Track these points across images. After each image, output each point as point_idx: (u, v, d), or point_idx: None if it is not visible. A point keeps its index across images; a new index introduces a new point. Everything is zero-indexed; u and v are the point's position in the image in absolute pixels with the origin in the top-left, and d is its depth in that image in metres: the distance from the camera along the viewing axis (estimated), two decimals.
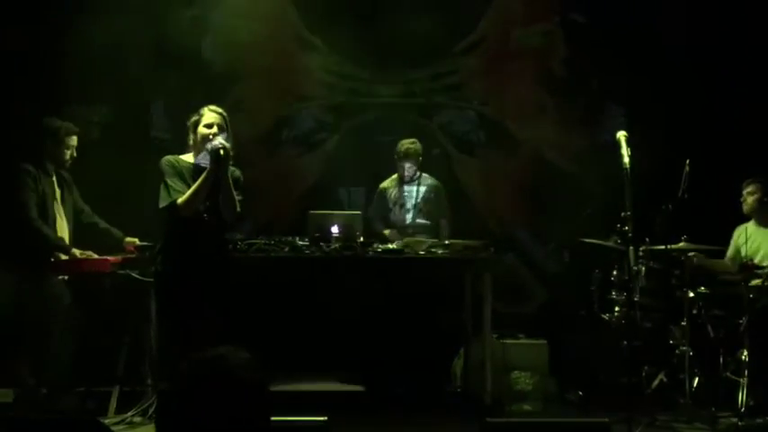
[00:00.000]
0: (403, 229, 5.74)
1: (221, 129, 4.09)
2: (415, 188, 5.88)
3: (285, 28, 6.58)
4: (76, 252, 4.70)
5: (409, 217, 5.84)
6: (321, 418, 2.63)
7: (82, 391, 4.95)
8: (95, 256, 4.76)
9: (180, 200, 3.98)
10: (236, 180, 4.14)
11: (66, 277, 4.74)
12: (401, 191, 5.89)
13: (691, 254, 5.24)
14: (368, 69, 6.48)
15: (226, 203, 4.01)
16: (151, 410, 4.67)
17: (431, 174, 5.98)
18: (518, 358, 5.28)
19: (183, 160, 4.14)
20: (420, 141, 5.87)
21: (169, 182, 4.03)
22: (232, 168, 4.16)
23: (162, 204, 4.03)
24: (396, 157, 5.82)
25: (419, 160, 5.82)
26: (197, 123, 4.12)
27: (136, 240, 4.90)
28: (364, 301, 5.57)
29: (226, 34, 6.51)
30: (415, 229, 5.75)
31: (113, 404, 4.75)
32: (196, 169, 4.07)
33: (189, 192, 3.99)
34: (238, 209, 4.07)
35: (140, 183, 5.88)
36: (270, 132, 6.70)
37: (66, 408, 4.69)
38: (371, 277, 5.28)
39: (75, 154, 4.86)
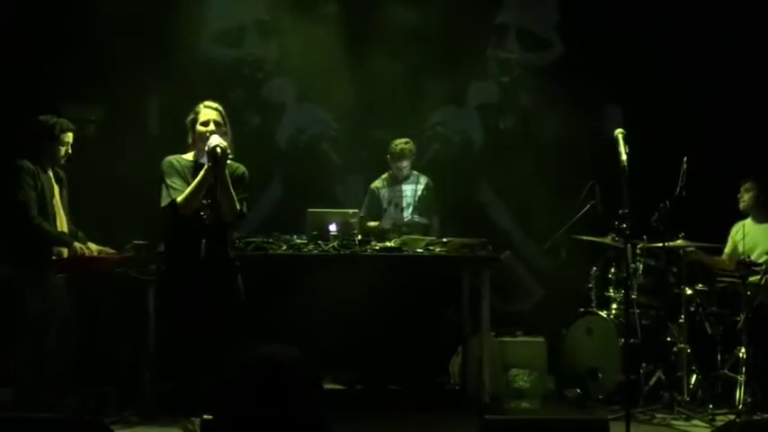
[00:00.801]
0: (398, 228, 5.74)
1: (218, 125, 4.08)
2: (409, 186, 5.89)
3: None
4: (77, 246, 4.70)
5: (405, 215, 5.84)
6: None
7: (81, 390, 4.95)
8: (93, 249, 4.76)
9: (179, 198, 3.98)
10: (240, 177, 4.13)
11: (65, 276, 4.73)
12: (395, 190, 5.89)
13: (689, 249, 5.25)
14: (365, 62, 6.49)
15: (225, 202, 3.99)
16: (149, 410, 4.67)
17: (423, 172, 5.99)
18: (516, 356, 5.29)
19: (184, 159, 4.14)
20: (413, 140, 5.87)
21: (169, 181, 4.03)
22: (236, 165, 4.15)
23: (162, 204, 4.03)
24: (389, 156, 5.82)
25: (413, 159, 5.83)
26: (194, 121, 4.11)
27: (107, 249, 4.85)
28: (362, 299, 5.56)
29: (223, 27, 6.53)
30: (410, 227, 5.75)
31: (112, 403, 4.74)
32: (196, 167, 4.06)
33: (187, 190, 3.98)
34: (239, 207, 4.05)
35: (136, 181, 5.91)
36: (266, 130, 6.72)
37: (65, 407, 4.68)
38: (369, 275, 5.27)
39: (70, 151, 4.84)
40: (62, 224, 4.79)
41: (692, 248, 5.27)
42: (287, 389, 1.68)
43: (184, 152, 4.21)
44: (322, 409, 1.74)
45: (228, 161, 4.13)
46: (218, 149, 3.92)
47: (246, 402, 1.68)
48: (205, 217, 3.96)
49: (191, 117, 4.13)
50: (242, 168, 4.19)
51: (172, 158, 4.12)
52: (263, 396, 1.68)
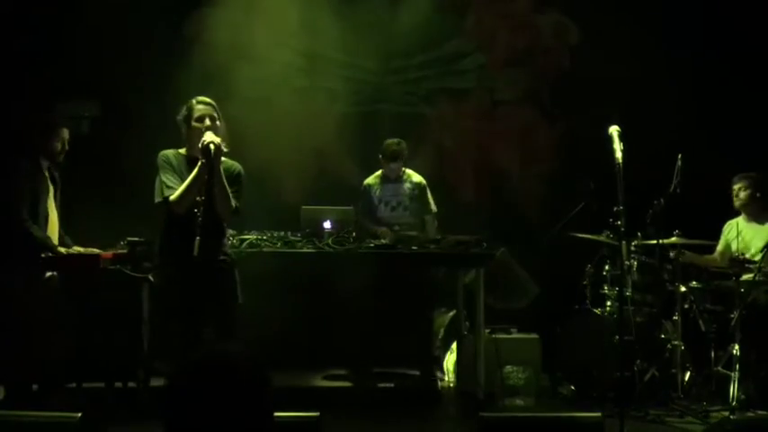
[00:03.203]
0: (390, 227, 5.73)
1: (212, 120, 4.05)
2: (400, 185, 5.86)
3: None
4: (62, 251, 4.68)
5: (396, 215, 5.82)
6: (313, 414, 2.61)
7: (73, 387, 4.93)
8: (80, 251, 4.74)
9: (172, 196, 3.95)
10: (236, 176, 4.10)
11: (57, 274, 4.71)
12: (386, 189, 5.87)
13: (680, 251, 5.26)
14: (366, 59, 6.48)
15: (220, 199, 3.97)
16: (143, 408, 4.64)
17: (416, 169, 5.98)
18: (511, 353, 5.29)
19: (180, 154, 4.11)
20: (406, 139, 5.86)
21: (163, 177, 4.00)
22: (231, 163, 4.13)
23: (156, 200, 4.01)
24: (381, 157, 5.80)
25: (405, 159, 5.81)
26: (188, 118, 4.08)
27: (92, 250, 4.83)
28: (356, 297, 5.55)
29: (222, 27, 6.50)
30: (402, 226, 5.74)
31: (105, 401, 4.72)
32: (190, 163, 4.02)
33: (181, 188, 3.96)
34: (234, 205, 4.03)
35: (131, 178, 5.88)
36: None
37: (57, 405, 4.66)
38: (364, 273, 5.26)
39: (66, 148, 4.83)
40: (53, 225, 4.77)
41: (682, 251, 5.27)
42: (235, 387, 1.66)
43: (179, 147, 4.18)
44: (271, 409, 1.72)
45: (223, 159, 4.11)
46: (212, 146, 3.90)
47: (197, 402, 1.66)
48: (199, 214, 3.93)
49: (183, 114, 4.09)
50: (237, 166, 4.16)
51: (169, 152, 4.08)
52: (212, 395, 1.66)
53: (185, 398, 1.64)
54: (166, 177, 4.00)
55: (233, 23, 6.48)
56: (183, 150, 4.11)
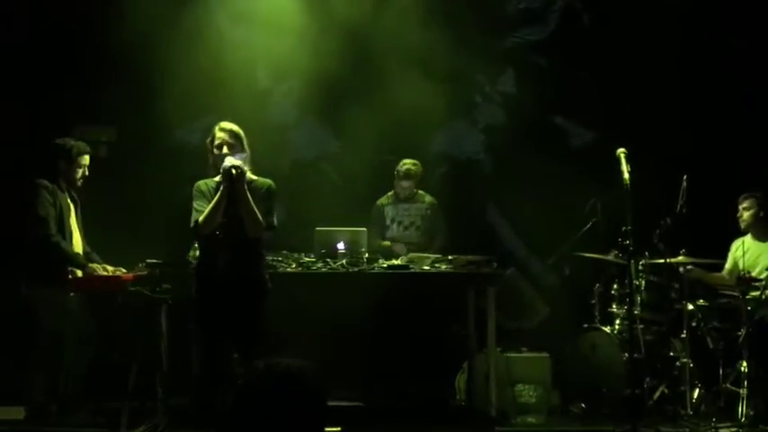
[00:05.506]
0: (401, 246, 5.80)
1: (231, 147, 4.17)
2: (413, 206, 5.94)
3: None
4: (93, 267, 4.79)
5: (408, 234, 5.90)
6: (335, 429, 2.69)
7: (93, 406, 5.01)
8: (110, 270, 4.84)
9: (200, 219, 4.09)
10: (266, 192, 4.23)
11: (80, 294, 4.81)
12: (399, 208, 5.95)
13: (688, 267, 5.33)
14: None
15: (247, 219, 4.09)
16: (161, 427, 4.72)
17: (429, 190, 6.06)
18: (521, 371, 5.33)
19: (211, 181, 4.25)
20: (422, 162, 5.94)
21: (194, 204, 4.17)
22: (263, 181, 4.27)
23: (191, 225, 4.15)
24: (395, 175, 5.89)
25: (417, 182, 5.88)
26: (211, 144, 4.22)
27: (121, 269, 4.93)
28: (370, 316, 5.62)
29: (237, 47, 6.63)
30: (412, 246, 5.81)
31: (124, 420, 4.79)
32: (217, 189, 4.17)
33: (206, 211, 4.09)
34: (265, 222, 4.14)
35: (150, 201, 5.99)
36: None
37: (77, 423, 4.74)
38: (377, 292, 5.34)
39: (87, 173, 4.96)
40: (78, 244, 4.89)
41: (690, 267, 5.34)
42: (298, 402, 1.74)
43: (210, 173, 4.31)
44: (326, 423, 1.80)
45: (255, 177, 4.24)
46: (233, 170, 4.03)
47: (258, 417, 1.73)
48: (219, 234, 4.06)
49: (209, 139, 4.25)
50: (268, 183, 4.28)
51: (201, 182, 4.24)
52: (274, 410, 1.73)
53: (251, 412, 1.71)
54: (197, 203, 4.16)
55: (245, 47, 6.63)
56: (217, 178, 4.23)
